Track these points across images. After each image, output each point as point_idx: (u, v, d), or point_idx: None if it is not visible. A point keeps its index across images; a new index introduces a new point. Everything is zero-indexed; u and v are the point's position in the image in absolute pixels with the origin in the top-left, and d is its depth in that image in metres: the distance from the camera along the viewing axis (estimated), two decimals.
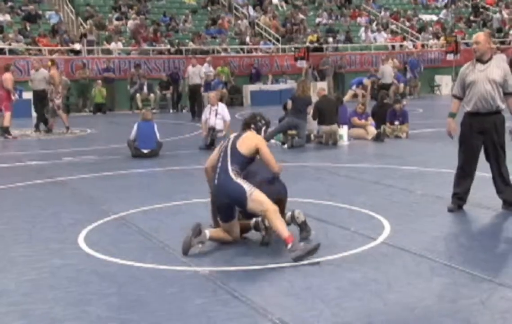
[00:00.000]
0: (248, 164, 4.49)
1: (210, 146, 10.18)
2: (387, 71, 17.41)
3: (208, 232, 4.49)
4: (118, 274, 4.01)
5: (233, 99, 21.13)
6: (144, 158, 9.32)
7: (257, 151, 4.48)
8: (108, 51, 20.19)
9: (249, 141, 4.47)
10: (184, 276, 3.95)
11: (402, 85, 18.56)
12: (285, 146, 10.37)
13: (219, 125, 10.35)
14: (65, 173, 8.18)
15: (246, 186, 4.29)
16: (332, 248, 4.46)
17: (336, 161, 8.96)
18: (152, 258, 4.34)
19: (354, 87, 17.28)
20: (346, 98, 14.98)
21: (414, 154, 9.41)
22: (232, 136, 4.60)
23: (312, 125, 10.93)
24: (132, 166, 8.85)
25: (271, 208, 4.22)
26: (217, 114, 10.35)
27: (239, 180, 4.33)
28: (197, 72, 15.77)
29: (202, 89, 15.36)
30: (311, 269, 4.00)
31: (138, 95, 18.80)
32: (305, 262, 4.13)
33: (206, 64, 19.47)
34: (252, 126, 4.68)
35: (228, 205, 4.42)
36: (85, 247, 4.66)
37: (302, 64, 20.69)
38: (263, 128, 4.72)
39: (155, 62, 20.20)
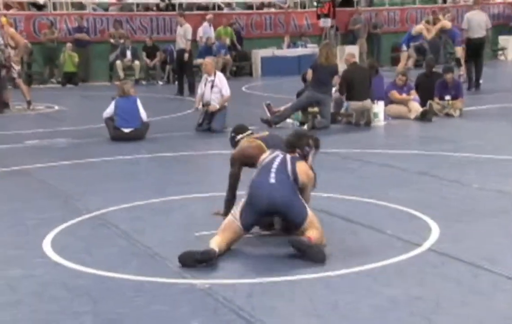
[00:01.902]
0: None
1: (207, 122, 10.14)
2: (475, 20, 14.18)
3: (217, 250, 4.40)
4: (93, 288, 4.02)
5: (239, 68, 21.08)
6: (126, 140, 9.35)
7: (302, 188, 4.69)
8: (81, 6, 20.20)
9: (303, 174, 4.68)
10: (177, 290, 3.96)
11: (459, 48, 18.28)
12: (305, 127, 10.34)
13: (215, 100, 10.25)
14: (28, 161, 8.21)
15: (306, 206, 4.60)
16: (364, 257, 4.43)
17: (370, 146, 8.92)
18: (136, 267, 4.35)
19: (404, 46, 16.76)
20: (401, 65, 14.57)
21: (469, 137, 9.35)
22: (283, 154, 4.77)
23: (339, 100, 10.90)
24: (112, 151, 8.87)
25: (322, 231, 4.56)
26: (213, 86, 10.22)
27: (300, 198, 4.60)
28: (182, 34, 15.05)
29: (186, 55, 15.03)
30: (337, 282, 3.99)
31: (118, 62, 18.80)
32: (331, 273, 4.12)
33: (205, 24, 19.42)
34: (298, 150, 4.82)
35: (270, 214, 4.62)
36: (52, 254, 4.68)
37: (327, 22, 20.58)
38: (311, 153, 4.88)
39: (140, 20, 20.20)
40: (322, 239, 4.56)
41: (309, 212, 4.59)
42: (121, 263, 4.45)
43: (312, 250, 4.34)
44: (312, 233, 4.49)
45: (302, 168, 4.70)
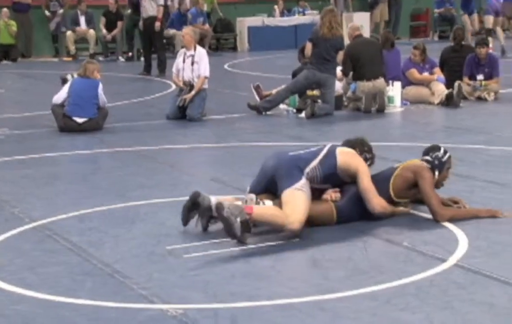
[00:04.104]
0: (331, 181, 5.39)
1: (182, 109, 10.14)
2: None
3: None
4: (37, 316, 4.02)
5: (220, 41, 21.05)
6: (79, 132, 9.34)
7: (353, 176, 5.38)
8: None
9: (351, 157, 5.45)
10: (143, 318, 3.97)
11: (490, 17, 18.36)
12: (302, 114, 10.36)
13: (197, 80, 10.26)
14: None
15: (303, 182, 5.21)
16: (376, 274, 4.47)
17: (383, 138, 8.96)
18: (92, 289, 4.36)
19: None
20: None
21: (507, 127, 9.42)
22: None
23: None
24: (60, 145, 8.85)
25: (295, 226, 5.07)
26: (194, 63, 10.26)
27: (303, 179, 5.23)
28: None
29: (158, 24, 14.94)
30: (340, 307, 4.02)
31: (69, 33, 18.69)
32: (333, 295, 4.15)
33: None
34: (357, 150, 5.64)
35: (271, 178, 5.35)
36: None
37: None
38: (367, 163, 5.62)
39: None
40: (281, 221, 5.07)
41: (302, 190, 5.16)
42: (73, 284, 4.45)
43: (221, 214, 4.90)
44: (265, 208, 5.12)
45: (347, 151, 5.48)
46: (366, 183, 5.36)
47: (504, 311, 3.95)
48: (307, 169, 5.27)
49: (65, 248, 5.16)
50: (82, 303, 4.15)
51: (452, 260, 4.68)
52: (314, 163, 5.32)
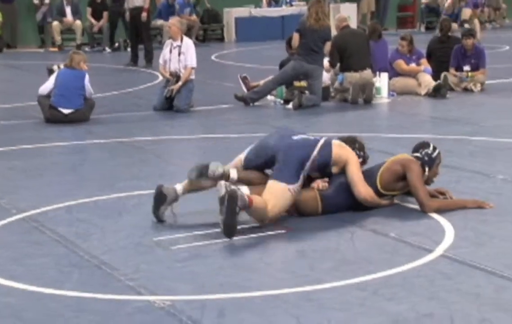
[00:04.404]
0: (323, 170, 5.45)
1: (169, 100, 10.14)
2: None
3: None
4: (23, 308, 4.01)
5: (208, 32, 21.02)
6: (65, 123, 9.31)
7: (342, 167, 5.48)
8: None
9: (342, 148, 5.54)
10: (130, 309, 3.98)
11: (468, 9, 18.45)
12: (290, 105, 10.37)
13: (183, 71, 10.25)
14: None
15: (298, 185, 5.26)
16: (363, 265, 4.49)
17: (370, 129, 8.99)
18: (78, 281, 4.36)
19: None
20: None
21: (493, 118, 9.46)
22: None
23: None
24: (47, 136, 8.83)
25: (266, 222, 5.15)
26: (180, 53, 10.26)
27: (299, 182, 5.27)
28: None
29: (144, 14, 14.96)
30: (328, 297, 4.03)
31: (56, 23, 18.62)
32: (321, 286, 4.16)
33: None
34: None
35: (271, 158, 5.38)
36: None
37: None
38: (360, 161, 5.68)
39: None
40: (264, 213, 5.10)
41: (293, 189, 5.20)
42: (60, 276, 4.45)
43: (223, 206, 4.89)
44: (259, 199, 5.08)
45: (337, 142, 5.56)
46: (354, 171, 5.42)
47: (490, 301, 3.98)
48: (307, 166, 5.31)
49: (52, 239, 5.15)
50: (69, 295, 4.15)
51: (438, 251, 4.71)
52: (314, 152, 5.37)
